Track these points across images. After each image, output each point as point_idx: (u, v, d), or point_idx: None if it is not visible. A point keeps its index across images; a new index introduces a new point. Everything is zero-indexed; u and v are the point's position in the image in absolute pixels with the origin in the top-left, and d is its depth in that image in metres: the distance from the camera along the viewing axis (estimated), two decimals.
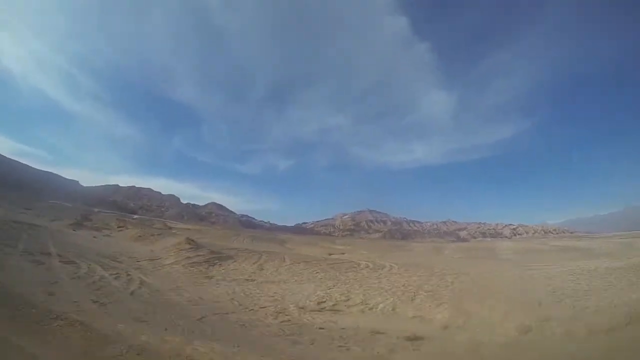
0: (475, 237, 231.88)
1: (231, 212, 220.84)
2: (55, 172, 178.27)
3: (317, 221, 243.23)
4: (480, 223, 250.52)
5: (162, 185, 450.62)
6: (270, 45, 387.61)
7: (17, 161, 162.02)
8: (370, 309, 12.60)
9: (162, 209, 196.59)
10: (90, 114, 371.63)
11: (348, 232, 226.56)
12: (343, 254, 58.23)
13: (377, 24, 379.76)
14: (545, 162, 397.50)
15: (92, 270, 16.93)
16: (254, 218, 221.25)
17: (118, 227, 45.14)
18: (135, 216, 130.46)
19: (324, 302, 13.45)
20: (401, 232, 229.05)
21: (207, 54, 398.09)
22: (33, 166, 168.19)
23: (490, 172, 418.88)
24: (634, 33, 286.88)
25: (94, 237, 36.99)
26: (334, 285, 16.89)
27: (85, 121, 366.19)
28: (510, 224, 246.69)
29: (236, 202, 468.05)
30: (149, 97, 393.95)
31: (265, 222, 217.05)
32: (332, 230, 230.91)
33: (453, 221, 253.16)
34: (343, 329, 10.15)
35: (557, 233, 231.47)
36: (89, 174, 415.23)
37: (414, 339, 9.08)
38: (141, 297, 13.39)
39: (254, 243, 53.53)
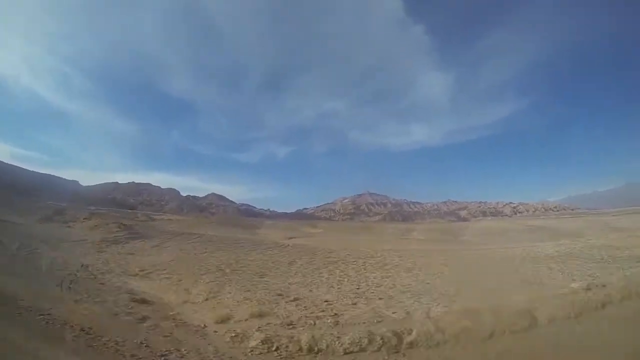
0: (475, 216, 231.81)
1: (231, 202, 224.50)
2: (54, 174, 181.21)
3: (318, 206, 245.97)
4: (480, 202, 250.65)
5: (162, 179, 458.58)
6: (264, 32, 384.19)
7: (15, 165, 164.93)
8: (161, 279, 14.46)
9: (162, 203, 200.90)
10: (86, 112, 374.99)
11: (348, 216, 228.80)
12: (311, 236, 60.41)
13: (371, 7, 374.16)
14: (544, 140, 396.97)
15: (7, 244, 19.41)
16: (254, 207, 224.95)
17: (83, 219, 47.51)
18: (129, 211, 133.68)
19: (146, 270, 15.40)
20: (401, 214, 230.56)
21: (200, 44, 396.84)
22: (32, 169, 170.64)
23: (489, 151, 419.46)
24: (631, 10, 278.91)
25: (53, 227, 39.49)
26: (177, 260, 18.94)
27: (81, 120, 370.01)
28: (511, 202, 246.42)
29: (238, 192, 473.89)
30: (143, 91, 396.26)
31: (265, 210, 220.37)
32: (332, 214, 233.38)
33: (453, 201, 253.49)
34: (117, 285, 12.01)
35: (557, 210, 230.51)
36: (88, 173, 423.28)
37: (138, 301, 10.52)
38: (16, 257, 15.83)
39: (215, 228, 55.80)
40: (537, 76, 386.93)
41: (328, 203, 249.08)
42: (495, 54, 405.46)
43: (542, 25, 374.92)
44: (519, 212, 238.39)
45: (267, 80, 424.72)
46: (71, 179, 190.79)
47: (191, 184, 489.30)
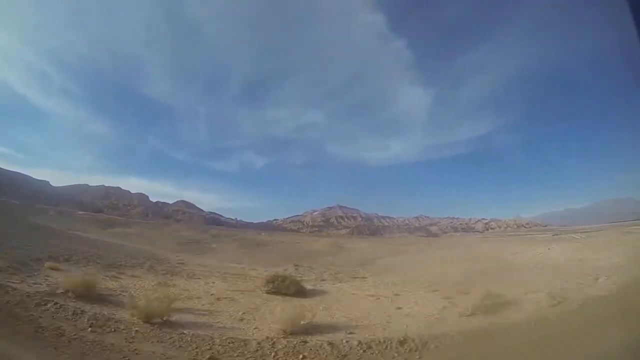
0: (446, 232, 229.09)
1: (200, 209, 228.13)
2: (24, 173, 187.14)
3: (287, 218, 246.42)
4: (452, 218, 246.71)
5: (137, 184, 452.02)
6: (244, 40, 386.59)
7: None
8: None
9: (129, 207, 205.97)
10: (62, 110, 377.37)
11: (316, 229, 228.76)
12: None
13: (353, 19, 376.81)
14: (519, 157, 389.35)
15: None
16: (222, 215, 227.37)
17: None
18: (80, 212, 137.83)
19: None
20: (369, 228, 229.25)
21: (181, 48, 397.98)
22: (3, 166, 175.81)
23: (465, 168, 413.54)
24: (609, 31, 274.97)
25: None
26: None
27: (57, 118, 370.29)
28: (483, 219, 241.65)
29: (214, 201, 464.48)
30: (122, 92, 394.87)
31: (233, 219, 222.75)
32: (300, 226, 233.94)
33: (425, 216, 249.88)
34: None
35: (529, 227, 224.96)
36: (61, 173, 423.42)
37: None
38: None
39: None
40: (514, 95, 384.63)
41: (298, 215, 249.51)
42: (475, 71, 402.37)
43: (523, 44, 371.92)
44: (491, 228, 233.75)
45: (247, 88, 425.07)
46: (42, 179, 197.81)
47: (166, 191, 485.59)
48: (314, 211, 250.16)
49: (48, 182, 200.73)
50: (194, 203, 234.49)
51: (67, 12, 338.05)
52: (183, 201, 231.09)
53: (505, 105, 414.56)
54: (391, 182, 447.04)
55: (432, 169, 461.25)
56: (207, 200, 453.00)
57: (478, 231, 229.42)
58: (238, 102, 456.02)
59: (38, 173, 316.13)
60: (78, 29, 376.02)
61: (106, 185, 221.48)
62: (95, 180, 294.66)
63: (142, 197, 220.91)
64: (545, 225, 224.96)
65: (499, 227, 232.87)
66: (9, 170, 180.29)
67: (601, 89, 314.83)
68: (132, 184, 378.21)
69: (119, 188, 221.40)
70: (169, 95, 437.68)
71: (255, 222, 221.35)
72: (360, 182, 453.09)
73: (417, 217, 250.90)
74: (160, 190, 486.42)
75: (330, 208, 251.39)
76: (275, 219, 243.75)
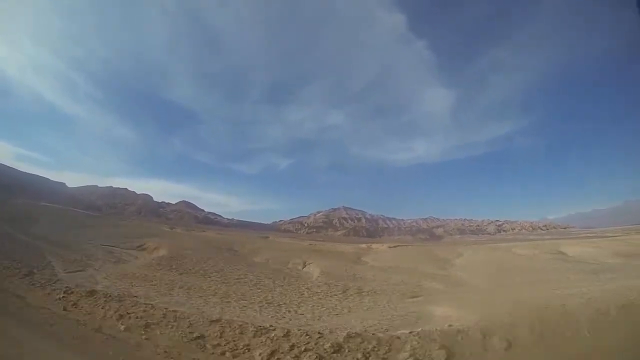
0: (451, 234, 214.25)
1: (200, 209, 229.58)
2: (50, 175, 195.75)
3: (292, 219, 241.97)
4: (463, 219, 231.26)
5: (160, 187, 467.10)
6: (266, 43, 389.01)
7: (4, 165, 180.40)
8: None
9: (126, 206, 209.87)
10: (88, 116, 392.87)
11: (314, 230, 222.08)
12: None
13: (374, 21, 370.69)
14: (544, 158, 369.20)
15: None
16: (219, 215, 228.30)
17: None
18: (57, 205, 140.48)
19: None
20: (367, 230, 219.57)
21: (203, 53, 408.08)
22: (29, 170, 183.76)
23: (488, 167, 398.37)
24: (633, 30, 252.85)
25: None
26: None
27: (83, 124, 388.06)
28: (497, 220, 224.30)
29: (236, 203, 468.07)
30: (145, 98, 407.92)
31: (228, 219, 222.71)
32: (299, 227, 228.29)
33: (435, 218, 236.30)
34: None
35: (545, 229, 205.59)
36: (85, 176, 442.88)
37: None
38: None
39: None
40: (538, 95, 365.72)
41: (302, 216, 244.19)
42: (498, 71, 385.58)
43: (545, 43, 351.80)
44: (504, 231, 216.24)
45: (269, 91, 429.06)
46: (60, 181, 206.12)
47: (189, 193, 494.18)
48: (319, 212, 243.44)
49: (64, 183, 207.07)
50: (195, 203, 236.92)
51: (92, 22, 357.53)
52: (184, 201, 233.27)
53: (528, 106, 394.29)
54: (409, 183, 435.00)
55: (454, 168, 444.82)
56: (228, 202, 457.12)
57: (489, 234, 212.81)
58: (261, 104, 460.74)
59: (62, 176, 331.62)
60: (103, 37, 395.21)
61: (114, 186, 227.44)
62: (116, 182, 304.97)
63: (146, 198, 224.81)
64: (565, 228, 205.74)
65: (513, 229, 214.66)
66: (27, 173, 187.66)
67: (627, 89, 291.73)
68: (156, 187, 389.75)
69: (125, 189, 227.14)
70: (192, 100, 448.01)
71: (253, 221, 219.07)
72: (378, 183, 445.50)
73: (426, 219, 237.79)
74: (185, 193, 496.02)
75: (334, 209, 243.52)
76: (281, 220, 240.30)
